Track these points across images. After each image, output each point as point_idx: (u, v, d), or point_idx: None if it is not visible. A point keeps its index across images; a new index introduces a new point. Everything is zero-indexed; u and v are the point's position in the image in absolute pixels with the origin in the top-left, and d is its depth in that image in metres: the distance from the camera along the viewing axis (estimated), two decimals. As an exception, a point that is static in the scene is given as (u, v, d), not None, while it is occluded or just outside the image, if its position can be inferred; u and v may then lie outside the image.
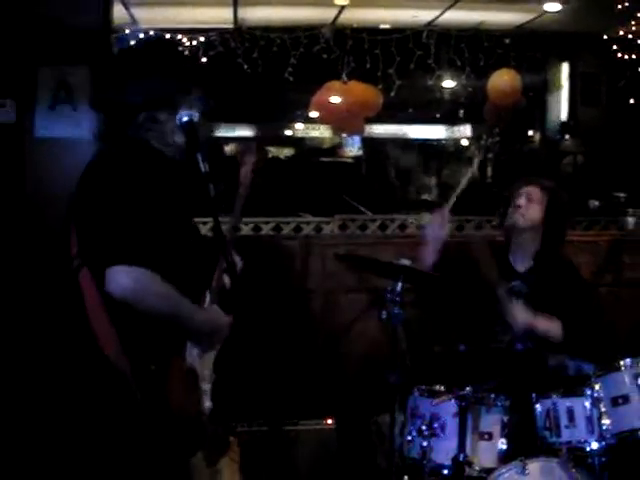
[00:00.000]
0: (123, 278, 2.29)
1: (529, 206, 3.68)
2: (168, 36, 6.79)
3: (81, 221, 2.47)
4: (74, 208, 2.52)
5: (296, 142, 16.55)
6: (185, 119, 2.31)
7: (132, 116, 2.46)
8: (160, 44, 2.79)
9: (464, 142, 16.08)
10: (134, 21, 6.89)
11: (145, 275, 2.30)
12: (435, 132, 17.51)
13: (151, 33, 6.61)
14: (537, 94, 10.17)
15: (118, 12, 5.42)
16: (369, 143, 14.88)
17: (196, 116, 2.32)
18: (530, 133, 11.88)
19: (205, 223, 4.26)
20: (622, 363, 3.19)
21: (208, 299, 2.67)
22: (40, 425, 3.30)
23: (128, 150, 2.48)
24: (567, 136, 10.49)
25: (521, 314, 3.53)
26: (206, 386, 2.64)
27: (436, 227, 3.64)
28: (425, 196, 11.15)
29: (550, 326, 3.53)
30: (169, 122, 2.46)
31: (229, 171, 2.88)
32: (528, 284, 3.67)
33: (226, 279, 2.73)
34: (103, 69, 2.75)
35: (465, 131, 16.36)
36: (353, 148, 16.01)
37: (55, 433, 2.63)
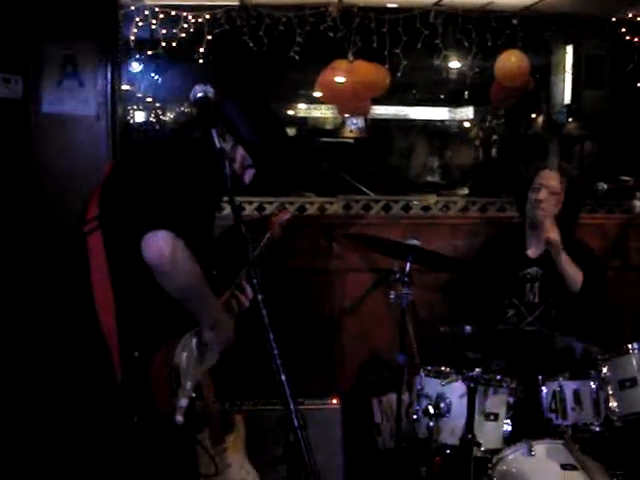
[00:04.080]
0: (165, 244, 2.33)
1: (549, 199, 3.68)
2: (173, 13, 6.75)
3: (120, 185, 2.55)
4: (115, 172, 2.61)
5: (298, 122, 16.48)
6: (200, 94, 2.29)
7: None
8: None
9: (467, 124, 16.02)
10: (140, -3, 6.83)
11: (183, 247, 2.36)
12: (437, 113, 17.43)
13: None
14: (542, 76, 10.12)
15: (124, -12, 5.37)
16: (371, 124, 14.82)
17: (210, 92, 2.30)
18: (533, 116, 11.83)
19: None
20: (630, 347, 3.20)
21: None
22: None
23: (188, 142, 2.57)
24: (571, 119, 10.45)
25: (554, 231, 3.59)
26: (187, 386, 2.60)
27: None
28: (428, 177, 11.12)
29: (572, 268, 3.54)
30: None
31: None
32: (544, 268, 3.68)
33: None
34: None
35: (468, 113, 16.30)
36: (354, 128, 15.95)
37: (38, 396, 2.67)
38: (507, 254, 3.79)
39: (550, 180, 3.71)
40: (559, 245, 3.57)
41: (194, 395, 2.61)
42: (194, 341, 2.62)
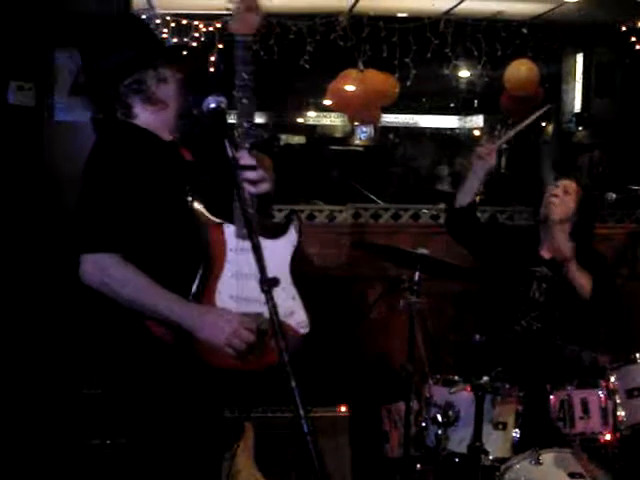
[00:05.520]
0: (86, 266, 2.39)
1: (564, 197, 3.72)
2: (185, 22, 6.80)
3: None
4: None
5: (308, 130, 16.53)
6: (212, 105, 2.30)
7: (112, 87, 2.54)
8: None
9: (476, 132, 16.04)
10: (151, 6, 6.89)
11: (106, 261, 2.38)
12: (447, 122, 17.46)
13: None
14: (551, 85, 10.13)
15: (136, -3, 5.42)
16: (381, 132, 14.86)
17: (224, 102, 2.32)
18: (544, 124, 11.84)
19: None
20: (638, 355, 3.20)
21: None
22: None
23: (110, 137, 2.55)
24: (581, 127, 10.45)
25: (564, 242, 3.61)
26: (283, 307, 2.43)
27: (485, 155, 3.66)
28: (438, 186, 11.12)
29: (583, 274, 3.56)
30: (155, 80, 2.56)
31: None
32: (553, 270, 3.69)
33: None
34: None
35: (477, 121, 16.32)
36: (364, 136, 15.99)
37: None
38: (520, 248, 3.81)
39: (568, 183, 3.77)
40: (568, 256, 3.58)
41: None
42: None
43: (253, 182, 2.49)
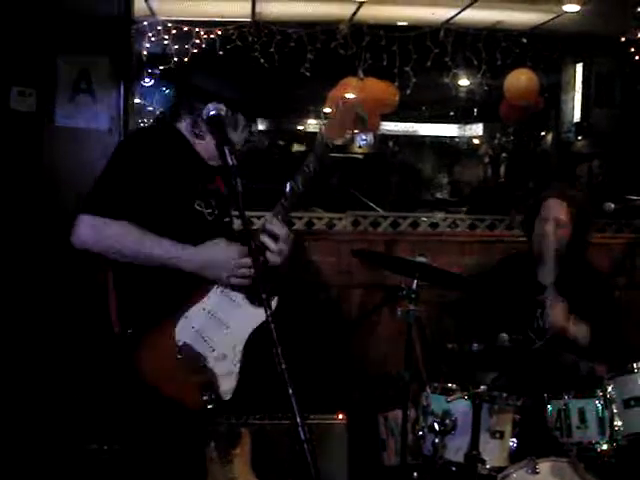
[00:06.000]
0: (82, 226, 2.51)
1: (558, 231, 3.67)
2: (186, 29, 6.82)
3: None
4: None
5: (307, 137, 16.54)
6: (212, 113, 2.33)
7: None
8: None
9: (476, 141, 16.05)
10: (153, 13, 6.91)
11: (101, 221, 2.49)
12: (447, 130, 17.47)
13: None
14: (551, 95, 10.15)
15: (137, 3, 5.42)
16: (381, 140, 14.88)
17: (223, 110, 2.34)
18: (543, 133, 11.86)
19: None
20: (635, 365, 3.20)
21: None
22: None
23: (149, 130, 2.69)
24: (580, 137, 10.46)
25: (560, 316, 3.54)
26: (222, 366, 2.62)
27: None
28: (437, 194, 11.15)
29: (581, 331, 3.54)
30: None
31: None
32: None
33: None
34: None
35: (477, 130, 16.34)
36: (364, 144, 16.00)
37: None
38: (520, 278, 3.78)
39: (557, 212, 3.67)
40: (564, 327, 3.55)
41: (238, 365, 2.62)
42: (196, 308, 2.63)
43: (269, 250, 2.61)
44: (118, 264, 2.59)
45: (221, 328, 2.63)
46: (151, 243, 2.51)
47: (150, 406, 2.57)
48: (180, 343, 2.57)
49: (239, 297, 2.66)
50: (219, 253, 2.58)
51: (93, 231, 2.50)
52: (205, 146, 2.70)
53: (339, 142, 2.72)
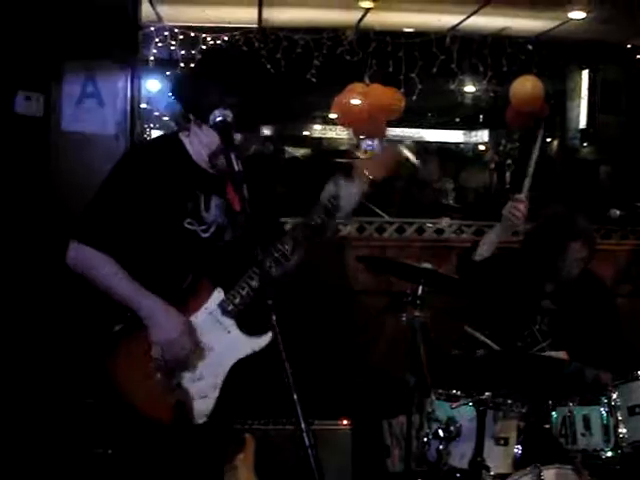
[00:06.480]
0: (72, 252, 2.60)
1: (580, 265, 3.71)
2: (192, 34, 6.84)
3: None
4: None
5: (313, 142, 16.56)
6: (219, 119, 2.32)
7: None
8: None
9: (481, 147, 16.06)
10: (159, 19, 6.94)
11: (87, 252, 2.55)
12: (452, 136, 17.49)
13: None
14: (557, 101, 10.16)
15: (144, 9, 5.45)
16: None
17: (229, 116, 2.33)
18: (548, 140, 11.86)
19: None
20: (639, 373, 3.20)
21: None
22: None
23: (145, 148, 2.76)
24: (586, 144, 10.46)
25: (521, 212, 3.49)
26: (198, 388, 2.57)
27: (515, 212, 3.49)
28: (442, 200, 11.12)
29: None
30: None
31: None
32: (556, 304, 3.69)
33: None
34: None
35: (483, 136, 16.34)
36: (369, 150, 16.01)
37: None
38: (523, 284, 3.78)
39: (580, 253, 3.69)
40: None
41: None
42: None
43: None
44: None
45: (203, 349, 2.60)
46: (122, 288, 2.55)
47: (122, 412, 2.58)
48: (156, 355, 2.55)
49: (228, 322, 2.61)
50: (168, 323, 2.55)
51: (77, 261, 2.60)
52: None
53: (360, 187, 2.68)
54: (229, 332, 2.61)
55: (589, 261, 3.75)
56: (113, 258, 2.54)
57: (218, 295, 2.62)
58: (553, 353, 3.63)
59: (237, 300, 2.60)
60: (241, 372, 2.64)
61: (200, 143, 2.59)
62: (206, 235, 2.65)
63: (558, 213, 3.84)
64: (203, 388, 2.58)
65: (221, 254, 2.66)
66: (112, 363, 2.55)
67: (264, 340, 2.59)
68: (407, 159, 2.71)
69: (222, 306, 2.61)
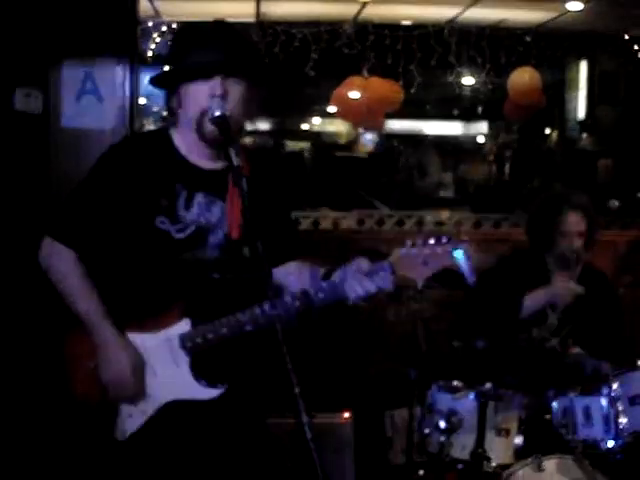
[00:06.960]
0: (42, 247, 2.51)
1: (580, 241, 3.73)
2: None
3: None
4: None
5: (312, 136, 16.53)
6: (217, 113, 2.30)
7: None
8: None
9: (480, 139, 16.03)
10: (157, 14, 6.93)
11: (56, 249, 2.46)
12: (451, 128, 17.45)
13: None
14: (555, 92, 10.15)
15: (142, 4, 5.45)
16: (385, 138, 14.85)
17: (227, 110, 2.31)
18: (547, 131, 11.85)
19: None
20: (640, 363, 3.22)
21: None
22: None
23: (125, 143, 2.64)
24: (585, 135, 10.45)
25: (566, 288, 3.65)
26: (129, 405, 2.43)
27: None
28: (442, 192, 11.12)
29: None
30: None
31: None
32: None
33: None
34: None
35: (481, 128, 16.31)
36: (368, 143, 15.99)
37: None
38: (530, 278, 3.78)
39: (579, 226, 3.72)
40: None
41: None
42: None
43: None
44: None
45: (147, 370, 2.43)
46: (82, 305, 2.44)
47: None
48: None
49: (182, 357, 2.40)
50: (118, 364, 2.39)
51: (47, 255, 2.50)
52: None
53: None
54: (177, 366, 2.39)
55: (590, 244, 3.73)
56: (84, 264, 2.44)
57: (184, 326, 2.40)
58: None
59: (199, 340, 2.37)
60: (242, 372, 2.57)
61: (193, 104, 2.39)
62: (180, 236, 2.42)
63: (557, 188, 3.88)
64: (132, 409, 2.42)
65: (213, 286, 2.45)
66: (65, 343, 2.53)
67: (210, 393, 2.41)
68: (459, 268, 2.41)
69: (182, 339, 2.39)
